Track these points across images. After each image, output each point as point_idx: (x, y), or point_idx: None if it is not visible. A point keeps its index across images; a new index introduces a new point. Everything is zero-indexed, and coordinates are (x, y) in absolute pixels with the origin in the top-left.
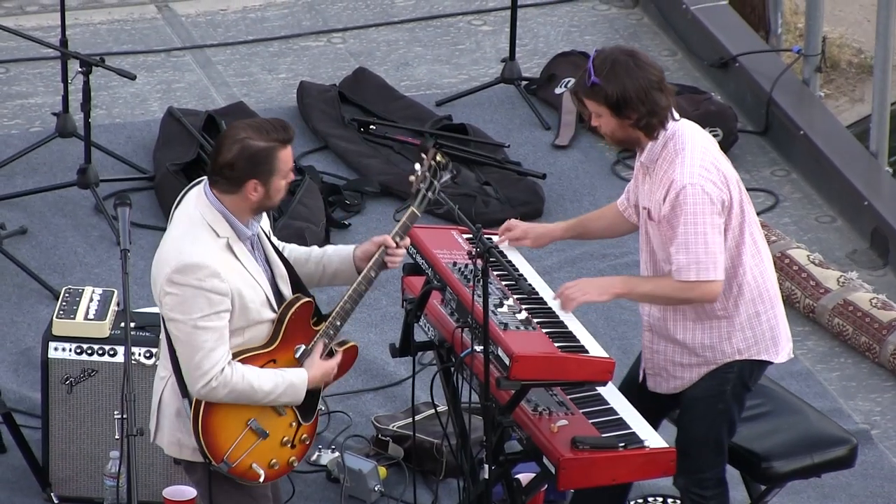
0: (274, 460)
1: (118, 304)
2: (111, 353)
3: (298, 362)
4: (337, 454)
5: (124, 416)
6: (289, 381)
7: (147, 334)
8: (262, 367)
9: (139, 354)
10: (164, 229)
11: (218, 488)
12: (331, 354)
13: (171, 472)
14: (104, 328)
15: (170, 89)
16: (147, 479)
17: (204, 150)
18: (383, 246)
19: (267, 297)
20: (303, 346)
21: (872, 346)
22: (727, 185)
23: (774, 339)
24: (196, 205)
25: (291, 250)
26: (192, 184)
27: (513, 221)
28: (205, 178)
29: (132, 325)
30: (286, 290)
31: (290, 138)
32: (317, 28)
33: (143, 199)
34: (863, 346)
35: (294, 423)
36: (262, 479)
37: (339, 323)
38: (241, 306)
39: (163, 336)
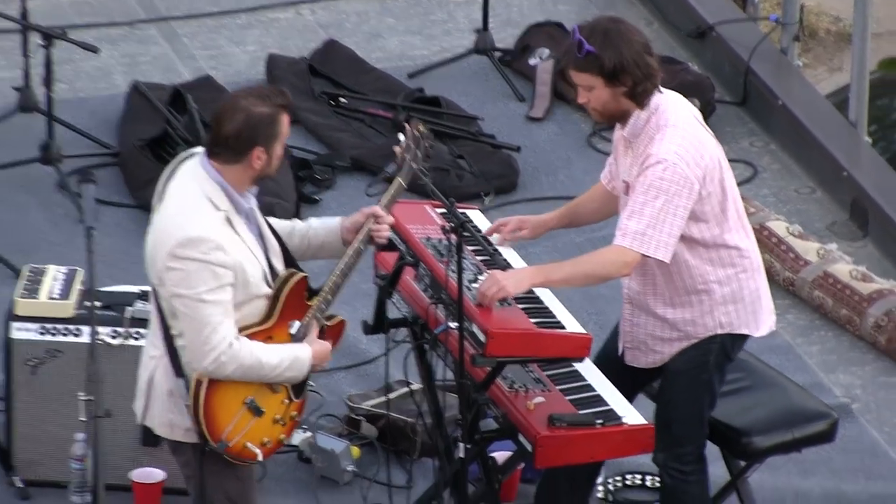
0: (266, 438)
1: (83, 283)
2: (76, 333)
3: (293, 339)
4: (309, 434)
5: (90, 397)
6: (294, 356)
7: (113, 314)
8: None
9: (105, 334)
10: (129, 206)
11: (207, 470)
12: (322, 330)
13: (139, 454)
14: (68, 308)
15: (134, 63)
16: (114, 462)
17: (170, 124)
18: (373, 216)
19: (264, 272)
20: (297, 322)
21: (853, 319)
22: (704, 166)
23: (755, 312)
24: (193, 177)
25: (273, 224)
26: (181, 157)
27: (505, 218)
28: (197, 150)
29: (97, 304)
30: (279, 264)
31: (289, 103)
32: None
33: (107, 176)
34: (843, 319)
35: (286, 400)
36: (259, 458)
37: (330, 297)
38: (242, 281)
39: (153, 315)
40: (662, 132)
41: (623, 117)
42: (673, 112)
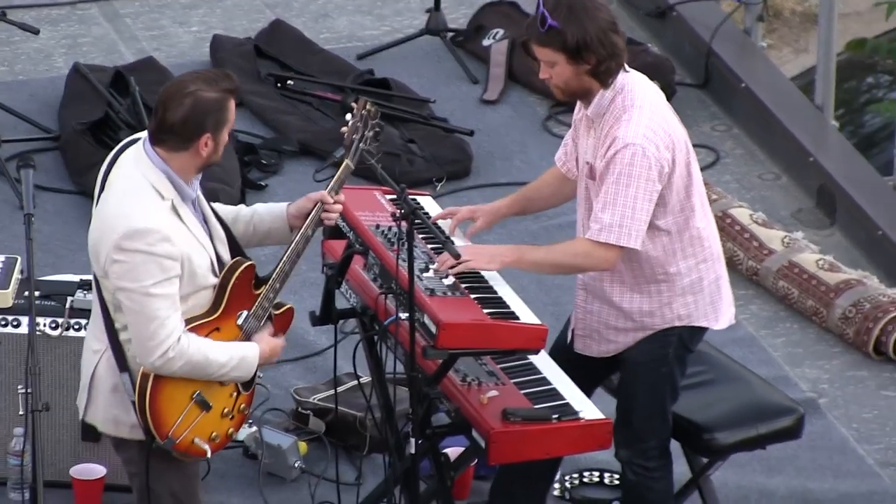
0: (215, 433)
1: (22, 272)
2: (14, 323)
3: (241, 329)
4: (254, 429)
5: (29, 390)
6: (241, 355)
7: (53, 303)
8: (206, 335)
9: (44, 325)
10: (70, 192)
11: (152, 466)
12: (269, 318)
13: (79, 449)
14: (7, 297)
15: (75, 44)
16: (53, 457)
17: (112, 107)
18: (320, 202)
19: (212, 262)
20: (245, 312)
21: (819, 311)
22: (672, 148)
23: (714, 303)
24: (136, 166)
25: (218, 210)
26: (123, 144)
27: (451, 208)
28: (140, 137)
29: (37, 293)
30: (225, 253)
31: (237, 87)
32: None
33: (47, 160)
34: (809, 311)
35: (234, 393)
36: (208, 454)
37: (278, 286)
38: (189, 272)
39: (95, 308)
40: (629, 113)
41: (586, 96)
42: (640, 92)
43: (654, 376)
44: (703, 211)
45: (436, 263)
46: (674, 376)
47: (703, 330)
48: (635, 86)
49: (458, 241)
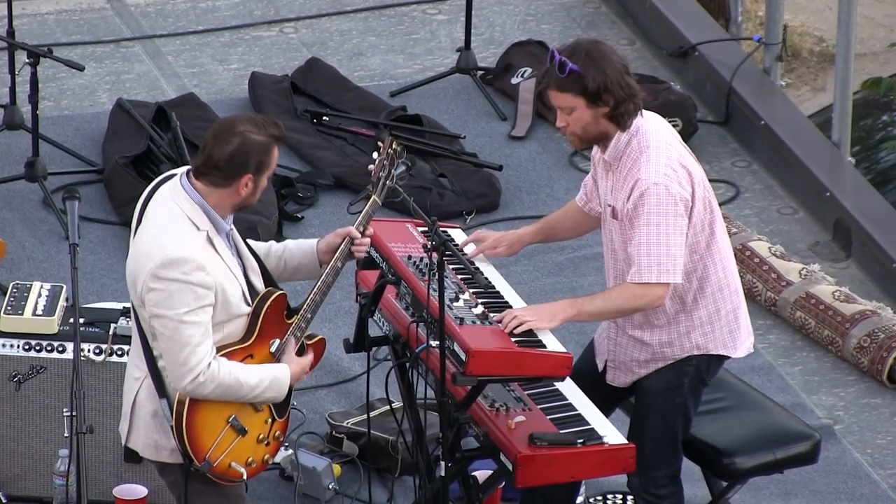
0: (251, 458)
1: (67, 300)
2: (60, 349)
3: (274, 357)
4: (290, 451)
5: (73, 413)
6: (273, 376)
7: (96, 330)
8: (240, 361)
9: (88, 351)
10: (113, 223)
11: (194, 489)
12: (302, 348)
13: (122, 470)
14: (53, 324)
15: (119, 80)
16: (97, 478)
17: (154, 142)
18: (349, 237)
19: (243, 291)
20: (277, 340)
21: (835, 340)
22: (691, 184)
23: (732, 333)
24: (173, 198)
25: (251, 245)
26: (160, 178)
27: (482, 231)
28: (176, 172)
29: (81, 320)
30: (258, 283)
31: (283, 135)
32: (269, 17)
33: (92, 193)
34: (825, 340)
35: (269, 420)
36: (245, 478)
37: (309, 315)
38: (223, 300)
39: (135, 337)
40: (646, 154)
41: (603, 139)
42: (654, 134)
43: (668, 406)
44: (721, 244)
45: (500, 324)
46: (687, 407)
47: (720, 360)
48: (649, 127)
49: (483, 266)
